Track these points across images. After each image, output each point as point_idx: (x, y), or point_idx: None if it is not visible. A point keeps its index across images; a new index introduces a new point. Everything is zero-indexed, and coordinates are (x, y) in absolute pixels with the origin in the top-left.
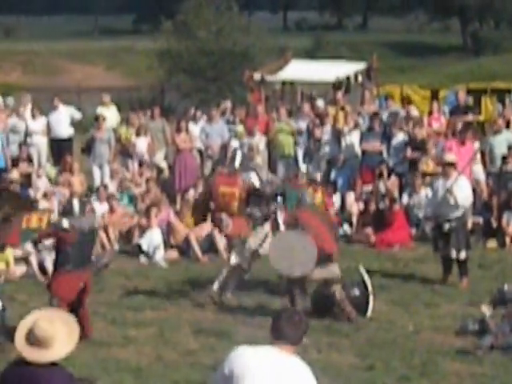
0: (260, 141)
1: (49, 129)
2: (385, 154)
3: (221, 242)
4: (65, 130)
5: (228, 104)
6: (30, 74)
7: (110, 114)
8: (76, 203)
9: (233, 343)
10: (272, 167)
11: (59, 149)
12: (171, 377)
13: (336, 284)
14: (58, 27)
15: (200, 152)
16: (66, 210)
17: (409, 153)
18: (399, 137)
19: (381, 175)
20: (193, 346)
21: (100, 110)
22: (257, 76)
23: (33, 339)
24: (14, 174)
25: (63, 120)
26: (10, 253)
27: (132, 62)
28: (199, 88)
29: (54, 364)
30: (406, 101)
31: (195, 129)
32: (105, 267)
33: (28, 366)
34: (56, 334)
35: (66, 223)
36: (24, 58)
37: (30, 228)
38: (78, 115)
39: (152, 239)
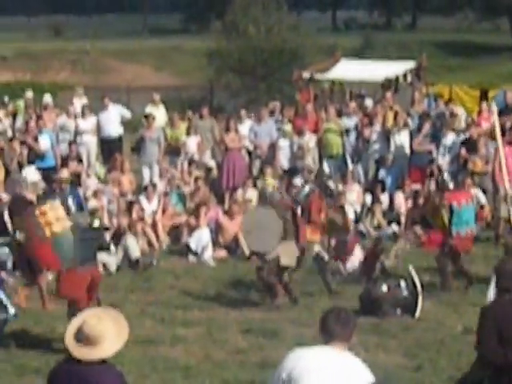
0: (310, 140)
1: (99, 128)
2: (434, 154)
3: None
4: (114, 130)
5: (277, 104)
6: (79, 73)
7: (159, 114)
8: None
9: (281, 342)
10: (321, 167)
11: (109, 148)
12: (220, 376)
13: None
14: (108, 26)
15: (248, 151)
16: None
17: (463, 152)
18: (450, 136)
19: (432, 175)
20: (241, 345)
21: (149, 110)
22: (306, 75)
23: (81, 337)
24: (64, 173)
25: (113, 119)
26: None
27: (181, 62)
28: (248, 87)
29: (103, 362)
30: (450, 100)
31: (242, 128)
32: (150, 266)
33: (77, 363)
34: (105, 331)
35: None
36: (73, 57)
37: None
38: (127, 114)
39: (201, 238)
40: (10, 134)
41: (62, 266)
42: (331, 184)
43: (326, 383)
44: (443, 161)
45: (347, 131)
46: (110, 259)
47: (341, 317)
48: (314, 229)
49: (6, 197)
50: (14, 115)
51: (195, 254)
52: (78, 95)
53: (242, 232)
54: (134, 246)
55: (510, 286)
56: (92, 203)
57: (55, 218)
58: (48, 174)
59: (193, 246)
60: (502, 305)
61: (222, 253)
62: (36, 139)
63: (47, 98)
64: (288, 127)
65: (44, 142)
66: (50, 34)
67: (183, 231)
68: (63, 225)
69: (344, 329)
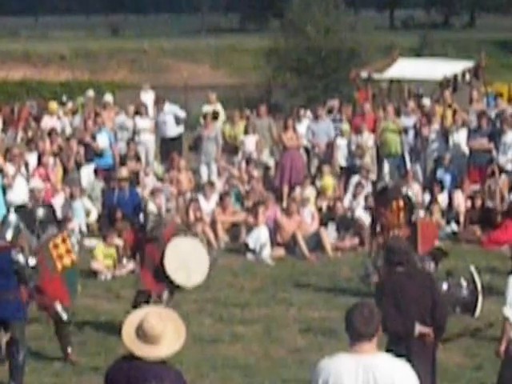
0: (368, 139)
1: (157, 127)
2: (494, 153)
3: (327, 239)
4: (172, 129)
5: (335, 102)
6: (137, 73)
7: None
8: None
9: (340, 341)
10: (379, 166)
11: (168, 147)
12: (279, 374)
13: None
14: (165, 26)
15: (306, 150)
16: None
17: None
18: (510, 135)
19: (493, 174)
20: (300, 344)
21: (206, 109)
22: (364, 74)
23: (142, 335)
24: (123, 172)
25: (168, 120)
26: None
27: (238, 61)
28: (306, 86)
29: (162, 361)
30: (511, 99)
31: (300, 127)
32: (214, 264)
33: (136, 361)
34: (165, 331)
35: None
36: (131, 56)
37: (66, 267)
38: (182, 115)
39: (259, 237)
40: (68, 132)
41: (70, 300)
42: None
43: None
44: (503, 159)
45: (406, 130)
46: None
47: (364, 314)
48: None
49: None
50: (73, 114)
51: (253, 252)
52: (145, 90)
53: (168, 271)
54: None
55: (402, 260)
56: (151, 201)
57: (66, 250)
58: (106, 172)
59: (251, 244)
60: (397, 277)
61: (280, 251)
62: (94, 138)
63: (108, 97)
64: (346, 126)
65: (102, 141)
66: (107, 33)
67: (241, 229)
68: (72, 257)
69: (369, 325)
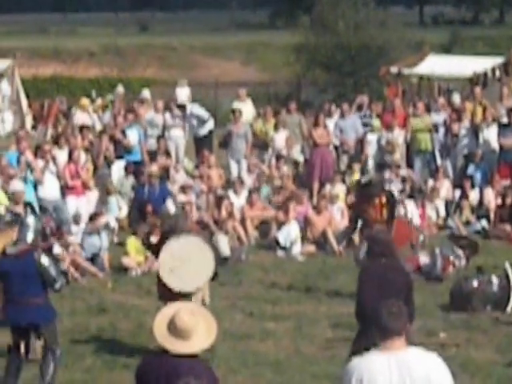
0: (399, 135)
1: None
2: None
3: (356, 236)
4: (199, 130)
5: (365, 98)
6: (166, 69)
7: (246, 109)
8: None
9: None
10: (409, 162)
11: (198, 144)
12: (310, 370)
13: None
14: (194, 22)
15: (335, 147)
16: None
17: None
18: None
19: None
20: (331, 340)
21: (236, 105)
22: (394, 70)
23: (174, 330)
24: (153, 168)
25: (193, 122)
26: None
27: (268, 57)
28: (336, 82)
29: (193, 356)
30: None
31: (331, 123)
32: (239, 261)
33: (167, 357)
34: (197, 326)
35: None
36: (160, 52)
37: None
38: (205, 116)
39: (289, 233)
40: (98, 128)
41: None
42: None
43: None
44: None
45: (436, 127)
46: None
47: (393, 311)
48: None
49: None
50: (103, 110)
51: (284, 248)
52: (180, 85)
53: (161, 272)
54: (225, 245)
55: (384, 251)
56: (180, 198)
57: None
58: (136, 168)
59: (281, 240)
60: (378, 268)
61: (311, 248)
62: (124, 134)
63: (145, 93)
64: (377, 122)
65: (132, 137)
66: (136, 29)
67: (272, 226)
68: None
69: (398, 322)
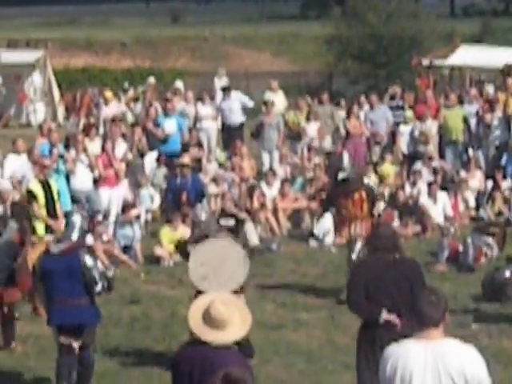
0: (432, 126)
1: (221, 115)
2: None
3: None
4: (237, 118)
5: (397, 88)
6: (198, 60)
7: (278, 99)
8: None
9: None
10: (441, 153)
11: (230, 135)
12: (342, 360)
13: None
14: (225, 13)
15: (367, 138)
16: None
17: None
18: None
19: None
20: None
21: (268, 96)
22: (425, 61)
23: (209, 320)
24: (185, 159)
25: (235, 108)
26: (184, 234)
27: (299, 48)
28: (367, 73)
29: (227, 346)
30: None
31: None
32: (271, 251)
33: (202, 346)
34: (231, 317)
35: None
36: (192, 43)
37: None
38: (250, 104)
39: (322, 224)
40: (130, 119)
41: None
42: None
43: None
44: None
45: (468, 117)
46: None
47: (431, 300)
48: None
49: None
50: (135, 101)
51: (316, 239)
52: (219, 76)
53: (194, 282)
54: (253, 234)
55: (386, 245)
56: (212, 189)
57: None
58: (169, 159)
59: (315, 231)
60: (373, 262)
61: (343, 238)
62: (157, 125)
63: (178, 84)
64: (409, 113)
65: (170, 127)
66: (167, 20)
67: (304, 216)
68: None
69: (437, 311)
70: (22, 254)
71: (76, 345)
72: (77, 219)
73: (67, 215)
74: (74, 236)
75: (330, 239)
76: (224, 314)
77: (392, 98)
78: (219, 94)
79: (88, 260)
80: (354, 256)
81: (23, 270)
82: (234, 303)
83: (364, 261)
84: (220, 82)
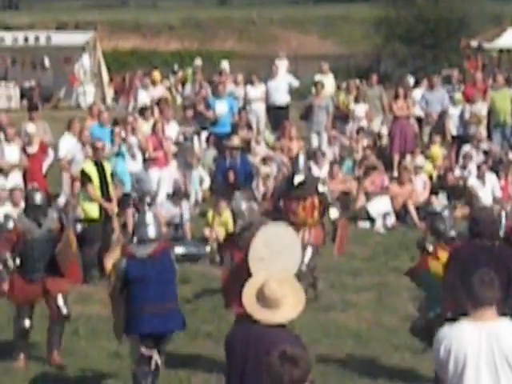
0: (482, 108)
1: (267, 96)
2: None
3: (438, 208)
4: (282, 98)
5: (454, 71)
6: (245, 42)
7: (328, 82)
8: None
9: None
10: (489, 135)
11: (276, 116)
12: (391, 341)
13: None
14: None
15: (418, 119)
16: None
17: None
18: None
19: None
20: (412, 312)
21: (318, 78)
22: (474, 43)
23: (262, 299)
24: (235, 141)
25: (281, 87)
26: (229, 217)
27: (346, 30)
28: (415, 55)
29: (280, 325)
30: None
31: (416, 96)
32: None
33: (255, 326)
34: (285, 296)
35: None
36: (239, 25)
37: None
38: (295, 83)
39: (381, 206)
40: (179, 101)
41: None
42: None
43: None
44: None
45: None
46: None
47: (485, 280)
48: None
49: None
50: (183, 83)
51: (368, 220)
52: (279, 58)
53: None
54: None
55: (484, 231)
56: (262, 170)
57: None
58: (218, 140)
59: (372, 212)
60: (470, 249)
61: (392, 220)
62: (208, 106)
63: (224, 64)
64: (458, 95)
65: (221, 108)
66: (215, 2)
67: (352, 198)
68: None
69: (491, 291)
70: (63, 239)
71: (157, 356)
72: (149, 217)
73: (126, 196)
74: (151, 233)
75: (380, 221)
76: (277, 293)
77: (448, 80)
78: (280, 74)
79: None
80: (306, 260)
81: (68, 259)
82: (289, 283)
83: (464, 246)
84: (281, 63)
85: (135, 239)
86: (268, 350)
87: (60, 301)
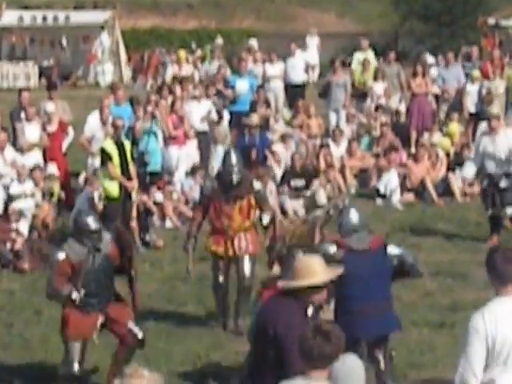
0: (500, 85)
1: (285, 74)
2: None
3: (456, 184)
4: (299, 76)
5: (474, 49)
6: (263, 20)
7: (370, 58)
8: None
9: (470, 285)
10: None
11: (293, 94)
12: (409, 317)
13: None
14: None
15: (436, 97)
16: None
17: None
18: None
19: None
20: (430, 287)
21: (358, 55)
22: (491, 21)
23: (291, 272)
24: (254, 119)
25: (298, 65)
26: None
27: (364, 8)
28: (432, 33)
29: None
30: None
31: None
32: (336, 210)
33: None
34: (314, 265)
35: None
36: (257, 4)
37: None
38: (313, 60)
39: (390, 182)
40: (197, 79)
41: None
42: None
43: None
44: None
45: None
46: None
47: (508, 256)
48: None
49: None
50: (202, 61)
51: (383, 197)
52: (310, 35)
53: None
54: (322, 193)
55: None
56: (278, 147)
57: None
58: (238, 118)
59: (381, 189)
60: None
61: (410, 196)
62: (227, 85)
63: (253, 42)
64: (476, 72)
65: (241, 86)
66: None
67: (371, 175)
68: None
69: None
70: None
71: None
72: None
73: (159, 175)
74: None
75: (396, 197)
76: (305, 263)
77: (468, 57)
78: (312, 51)
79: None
80: (247, 272)
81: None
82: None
83: None
84: (311, 41)
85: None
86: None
87: (132, 325)
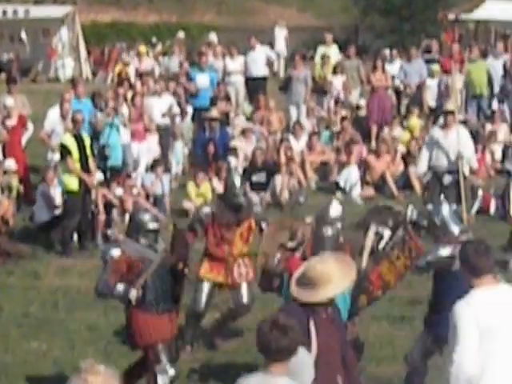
0: (458, 80)
1: (245, 68)
2: None
3: (416, 178)
4: (260, 70)
5: (433, 42)
6: (223, 15)
7: (333, 53)
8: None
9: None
10: (465, 106)
11: (254, 88)
12: (369, 311)
13: None
14: None
15: (396, 91)
16: None
17: None
18: None
19: None
20: None
21: (322, 50)
22: (451, 15)
23: (304, 281)
24: (214, 113)
25: (259, 60)
26: (208, 188)
27: (325, 3)
28: (393, 28)
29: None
30: None
31: (391, 68)
32: (298, 204)
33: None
34: (328, 273)
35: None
36: None
37: None
38: (273, 56)
39: (349, 176)
40: (157, 73)
41: None
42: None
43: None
44: None
45: (491, 71)
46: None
47: (480, 249)
48: None
49: None
50: (163, 56)
51: (343, 191)
52: (279, 26)
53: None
54: (283, 188)
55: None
56: (240, 142)
57: None
58: (197, 113)
59: (341, 183)
60: None
61: (370, 191)
62: (189, 79)
63: (212, 36)
64: (436, 66)
65: (202, 81)
66: None
67: (332, 169)
68: None
69: (488, 260)
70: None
71: None
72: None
73: (119, 170)
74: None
75: (356, 191)
76: (318, 272)
77: (428, 51)
78: (280, 43)
79: None
80: (245, 300)
81: None
82: (335, 259)
83: None
84: (280, 32)
85: None
86: None
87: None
